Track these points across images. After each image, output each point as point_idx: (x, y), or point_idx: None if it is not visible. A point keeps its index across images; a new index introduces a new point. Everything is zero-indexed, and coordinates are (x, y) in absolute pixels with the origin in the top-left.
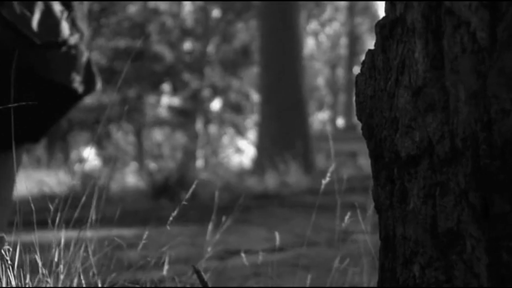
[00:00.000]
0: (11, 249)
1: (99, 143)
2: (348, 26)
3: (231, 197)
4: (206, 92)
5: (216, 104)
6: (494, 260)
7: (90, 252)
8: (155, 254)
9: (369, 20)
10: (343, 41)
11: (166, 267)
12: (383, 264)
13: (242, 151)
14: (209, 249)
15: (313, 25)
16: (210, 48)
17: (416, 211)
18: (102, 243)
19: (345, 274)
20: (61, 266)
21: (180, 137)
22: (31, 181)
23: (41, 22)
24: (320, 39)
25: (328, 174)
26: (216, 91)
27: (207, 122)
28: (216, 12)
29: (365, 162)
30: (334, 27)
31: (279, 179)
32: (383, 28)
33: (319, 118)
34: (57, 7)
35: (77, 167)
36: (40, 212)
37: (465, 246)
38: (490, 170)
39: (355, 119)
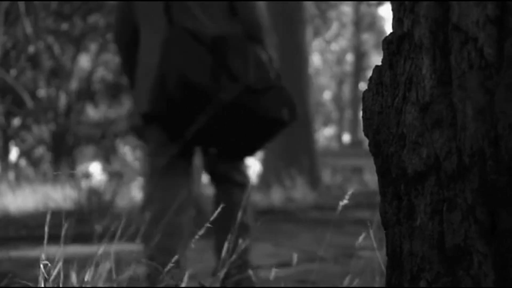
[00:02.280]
0: (48, 264)
1: (106, 158)
2: (354, 42)
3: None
4: None
5: None
6: (502, 276)
7: (113, 270)
8: (164, 269)
9: (376, 36)
10: (349, 57)
11: (183, 284)
12: (390, 280)
13: (248, 167)
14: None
15: (319, 41)
16: None
17: (423, 227)
18: (109, 258)
19: None
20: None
21: None
22: (37, 195)
23: (256, 72)
24: (326, 55)
25: (347, 196)
26: None
27: None
28: None
29: (370, 178)
30: (340, 43)
31: (285, 194)
32: (390, 44)
33: (325, 134)
34: (264, 56)
35: (83, 182)
36: (44, 227)
37: (472, 262)
38: (497, 185)
39: (361, 135)
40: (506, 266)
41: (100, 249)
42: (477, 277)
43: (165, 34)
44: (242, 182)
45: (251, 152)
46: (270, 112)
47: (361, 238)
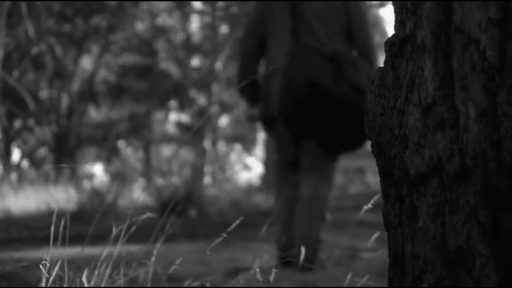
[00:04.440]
0: (48, 264)
1: (108, 159)
2: None
3: (239, 214)
4: (214, 109)
5: (224, 121)
6: (503, 278)
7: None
8: (165, 270)
9: (378, 37)
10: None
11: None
12: (392, 282)
13: (250, 168)
14: (225, 270)
15: None
16: (218, 65)
17: (425, 229)
18: (111, 259)
19: None
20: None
21: (188, 154)
22: (39, 197)
23: (366, 81)
24: None
25: (372, 201)
26: (224, 108)
27: (215, 138)
28: (224, 29)
29: (373, 178)
30: None
31: None
32: (392, 46)
33: None
34: (372, 72)
35: (85, 183)
36: (48, 228)
37: (475, 264)
38: (499, 188)
39: None
40: (508, 268)
41: (103, 251)
42: (479, 279)
43: (292, 48)
44: (329, 177)
45: (355, 147)
46: None
47: (372, 239)
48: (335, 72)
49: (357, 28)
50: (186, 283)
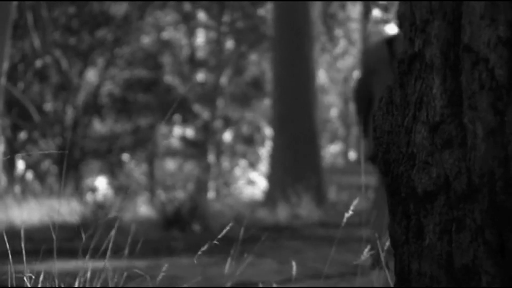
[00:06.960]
0: (33, 277)
1: (112, 172)
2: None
3: (243, 229)
4: (218, 124)
5: (228, 136)
6: None
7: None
8: (166, 284)
9: None
10: (356, 75)
11: None
12: None
13: (254, 183)
14: (228, 284)
15: (326, 58)
16: (223, 80)
17: (431, 246)
18: (114, 274)
19: None
20: None
21: (192, 168)
22: (43, 209)
23: None
24: (333, 73)
25: (352, 207)
26: (228, 123)
27: (219, 153)
28: (229, 44)
29: None
30: (347, 61)
31: (291, 211)
32: (401, 64)
33: (331, 151)
34: None
35: (89, 196)
36: (51, 241)
37: (481, 282)
38: (506, 206)
39: None
40: None
41: (102, 264)
42: None
43: None
44: None
45: None
46: None
47: (364, 255)
48: None
49: None
50: None
